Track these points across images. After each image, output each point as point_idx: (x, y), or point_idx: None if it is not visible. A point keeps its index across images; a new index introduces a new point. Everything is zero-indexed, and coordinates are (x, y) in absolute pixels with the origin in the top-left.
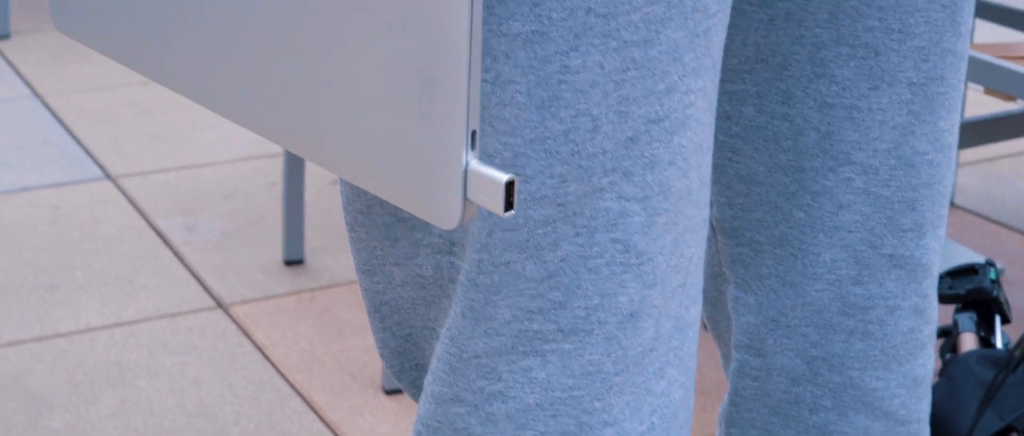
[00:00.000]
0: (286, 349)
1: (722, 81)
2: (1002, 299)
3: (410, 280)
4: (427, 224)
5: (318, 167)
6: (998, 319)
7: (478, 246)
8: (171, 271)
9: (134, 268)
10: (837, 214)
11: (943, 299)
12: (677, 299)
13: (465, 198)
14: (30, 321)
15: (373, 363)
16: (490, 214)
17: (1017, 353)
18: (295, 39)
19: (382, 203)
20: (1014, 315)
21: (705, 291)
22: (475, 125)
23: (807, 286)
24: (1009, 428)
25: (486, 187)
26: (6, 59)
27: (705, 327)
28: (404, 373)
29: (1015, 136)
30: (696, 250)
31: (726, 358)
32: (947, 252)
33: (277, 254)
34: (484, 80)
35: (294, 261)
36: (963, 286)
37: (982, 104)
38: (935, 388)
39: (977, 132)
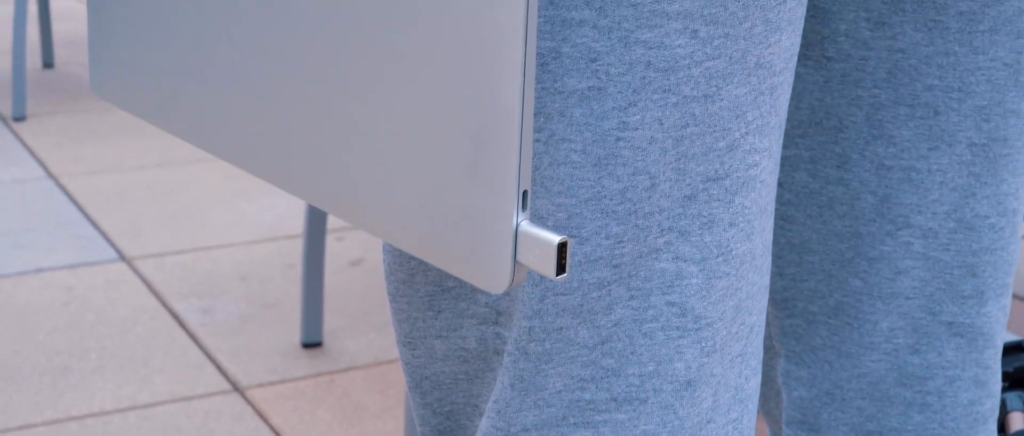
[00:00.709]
0: (304, 434)
1: None
2: None
3: (453, 353)
4: (472, 293)
5: (338, 248)
6: None
7: (529, 313)
8: (187, 354)
9: (149, 351)
10: (895, 280)
11: None
12: (737, 368)
13: (515, 261)
14: (42, 404)
15: None
16: (542, 279)
17: None
18: (340, 98)
19: (425, 272)
20: None
21: None
22: (526, 185)
23: (863, 356)
24: None
25: (537, 249)
26: (21, 141)
27: None
28: None
29: None
30: (757, 318)
31: None
32: None
33: (295, 336)
34: (537, 140)
35: (312, 344)
36: (1011, 364)
37: None
38: None
39: None
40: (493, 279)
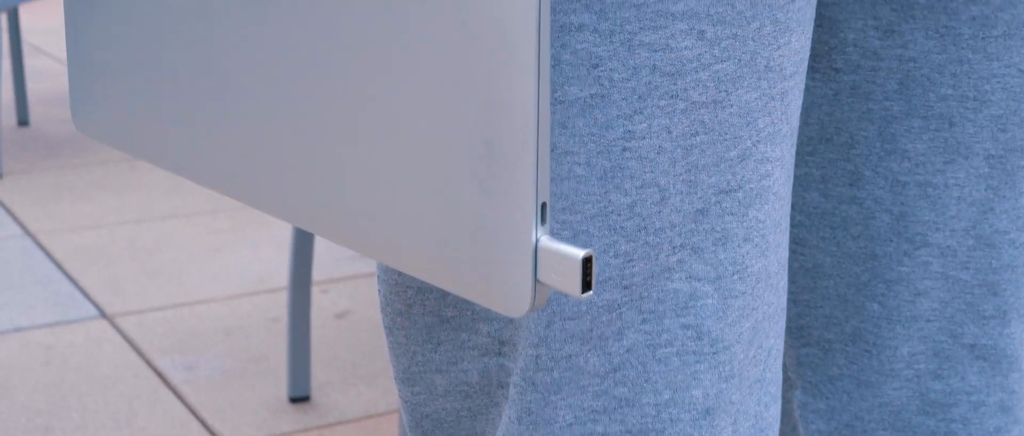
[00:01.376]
0: None
1: None
2: None
3: (454, 389)
4: (473, 323)
5: (324, 300)
6: None
7: (535, 340)
8: (171, 411)
9: (132, 409)
10: (914, 303)
11: None
12: (756, 395)
13: (536, 280)
14: None
15: None
16: (548, 303)
17: None
18: (336, 107)
19: (423, 302)
20: None
21: None
22: (545, 196)
23: (884, 385)
24: None
25: (560, 265)
26: None
27: None
28: None
29: None
30: (775, 342)
31: None
32: None
33: (282, 391)
34: None
35: (300, 398)
36: None
37: None
38: None
39: None
40: (512, 301)
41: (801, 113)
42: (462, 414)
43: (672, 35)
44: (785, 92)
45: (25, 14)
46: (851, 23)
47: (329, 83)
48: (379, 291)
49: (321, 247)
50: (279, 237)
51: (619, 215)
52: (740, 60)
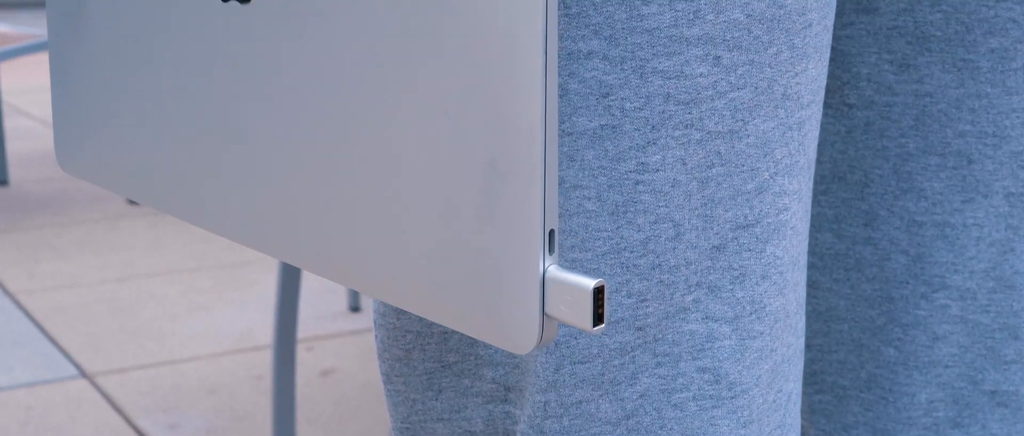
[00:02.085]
0: None
1: None
2: None
3: None
4: (476, 369)
5: (308, 359)
6: None
7: (543, 385)
8: None
9: None
10: (932, 348)
11: None
12: None
13: (543, 313)
14: None
15: None
16: (557, 346)
17: None
18: (331, 135)
19: (423, 348)
20: None
21: None
22: (553, 223)
23: (901, 433)
24: None
25: (569, 297)
26: None
27: None
28: None
29: None
30: (794, 385)
31: None
32: None
33: None
34: None
35: None
36: None
37: None
38: None
39: None
40: (518, 336)
41: None
42: None
43: (687, 61)
44: (802, 122)
45: (5, 75)
46: (865, 57)
47: (324, 105)
48: (376, 336)
49: (306, 305)
50: (263, 295)
51: (632, 252)
52: (757, 88)
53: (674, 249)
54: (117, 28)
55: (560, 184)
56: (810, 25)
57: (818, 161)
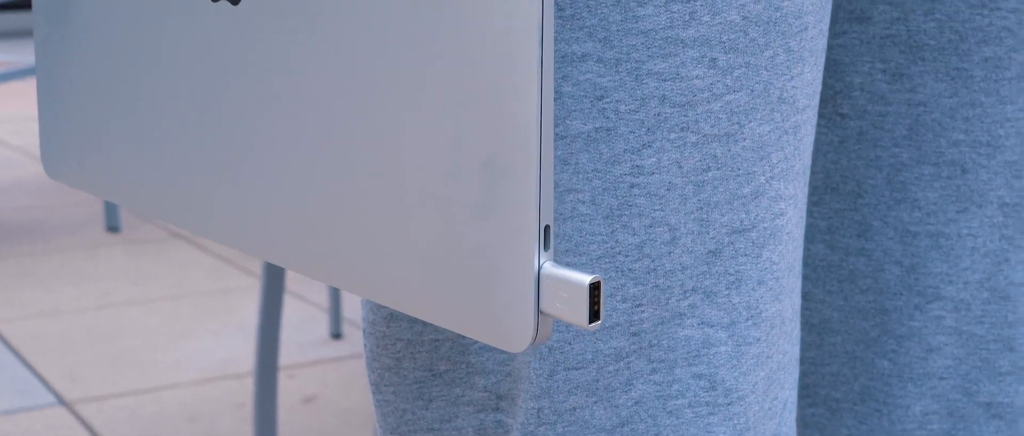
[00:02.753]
0: None
1: None
2: None
3: None
4: (468, 377)
5: (290, 386)
6: None
7: (536, 392)
8: None
9: None
10: (926, 359)
11: None
12: None
13: (538, 310)
14: None
15: None
16: (551, 351)
17: None
18: (321, 129)
19: (413, 356)
20: None
21: None
22: (548, 219)
23: None
24: None
25: (565, 293)
26: None
27: None
28: None
29: None
30: (790, 394)
31: None
32: None
33: None
34: None
35: None
36: None
37: None
38: None
39: None
40: (512, 335)
41: None
42: None
43: (682, 63)
44: (798, 126)
45: None
46: (857, 66)
47: (318, 104)
48: (365, 345)
49: (287, 332)
50: (243, 322)
51: (627, 256)
52: (753, 91)
53: (669, 253)
54: (104, 31)
55: (554, 188)
56: (806, 28)
57: (811, 171)
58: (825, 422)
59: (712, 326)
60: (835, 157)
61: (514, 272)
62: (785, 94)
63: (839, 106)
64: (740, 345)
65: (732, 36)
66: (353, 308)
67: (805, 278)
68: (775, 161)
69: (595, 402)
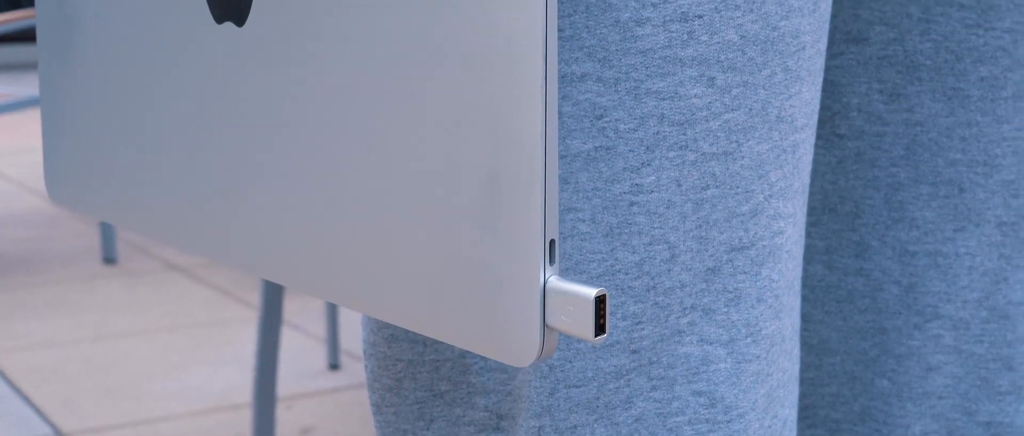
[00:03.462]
0: None
1: None
2: None
3: None
4: (468, 397)
5: (288, 417)
6: None
7: (537, 410)
8: None
9: None
10: (926, 379)
11: None
12: None
13: (544, 324)
14: None
15: None
16: (552, 369)
17: None
18: (326, 144)
19: (414, 377)
20: None
21: None
22: (554, 233)
23: None
24: None
25: (570, 307)
26: None
27: None
28: None
29: None
30: (790, 412)
31: None
32: None
33: None
34: None
35: None
36: None
37: None
38: None
39: None
40: (518, 349)
41: None
42: None
43: (681, 82)
44: (797, 145)
45: None
46: (854, 87)
47: (323, 122)
48: (366, 366)
49: (284, 363)
50: (241, 353)
51: (627, 274)
52: (751, 109)
53: (669, 271)
54: (108, 54)
55: None
56: (804, 48)
57: (809, 192)
58: None
59: (711, 343)
60: (833, 177)
61: (520, 286)
62: (783, 113)
63: (836, 126)
64: (740, 362)
65: (730, 55)
66: (351, 339)
67: (804, 299)
68: (774, 179)
69: (596, 420)
